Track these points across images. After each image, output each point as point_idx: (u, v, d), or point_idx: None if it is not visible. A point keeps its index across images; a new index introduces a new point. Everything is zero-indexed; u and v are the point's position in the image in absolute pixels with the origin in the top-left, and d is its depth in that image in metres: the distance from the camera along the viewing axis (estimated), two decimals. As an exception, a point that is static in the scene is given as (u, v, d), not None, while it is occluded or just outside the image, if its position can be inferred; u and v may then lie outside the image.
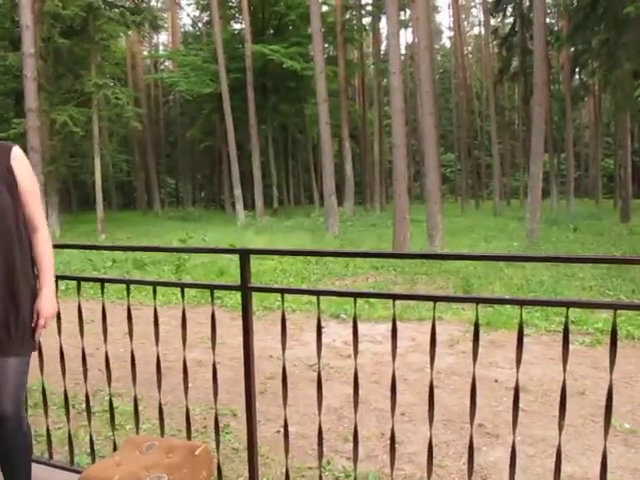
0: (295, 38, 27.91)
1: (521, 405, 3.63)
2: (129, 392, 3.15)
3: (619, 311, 1.75)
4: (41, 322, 1.97)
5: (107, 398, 2.47)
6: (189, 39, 38.98)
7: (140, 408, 2.64)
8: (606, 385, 1.61)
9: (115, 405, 2.81)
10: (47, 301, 2.00)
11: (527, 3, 26.46)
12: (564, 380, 1.63)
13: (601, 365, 4.59)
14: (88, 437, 2.53)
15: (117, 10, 21.55)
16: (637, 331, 5.54)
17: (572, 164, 29.16)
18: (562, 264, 8.99)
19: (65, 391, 2.51)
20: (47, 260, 2.02)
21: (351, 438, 1.98)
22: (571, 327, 5.58)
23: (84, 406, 2.53)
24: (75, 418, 3.33)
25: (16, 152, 1.96)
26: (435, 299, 1.88)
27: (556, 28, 28.47)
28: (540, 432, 3.39)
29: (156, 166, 35.24)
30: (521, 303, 1.76)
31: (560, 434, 1.67)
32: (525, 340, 4.30)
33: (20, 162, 1.95)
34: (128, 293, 2.26)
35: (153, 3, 40.92)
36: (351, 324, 1.96)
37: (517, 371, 1.69)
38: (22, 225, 1.94)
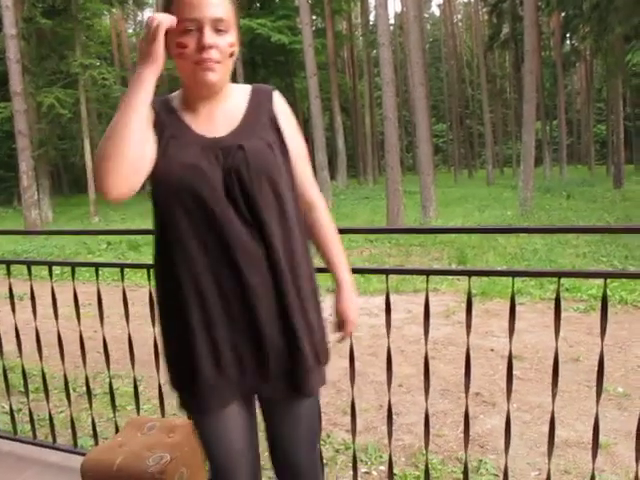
0: (282, 11, 27.42)
1: (517, 373, 3.70)
2: (129, 374, 3.17)
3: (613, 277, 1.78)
4: (349, 328, 1.45)
5: (107, 380, 2.49)
6: (174, 15, 38.31)
7: (140, 389, 2.68)
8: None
9: (115, 387, 2.84)
10: (351, 301, 1.45)
11: (516, -32, 26.08)
12: (556, 349, 1.66)
13: (595, 331, 4.64)
14: (90, 420, 2.56)
15: (99, -13, 21.12)
16: (630, 296, 5.61)
17: (564, 131, 29.13)
18: (555, 232, 9.02)
19: (65, 375, 2.53)
20: (337, 245, 1.49)
21: (349, 411, 2.01)
22: (565, 294, 5.65)
23: (85, 389, 2.55)
24: (76, 401, 3.37)
25: (278, 98, 1.39)
26: (428, 273, 1.89)
27: (546, -7, 28.09)
28: (536, 399, 3.45)
29: (146, 146, 34.90)
30: (513, 274, 1.77)
31: (553, 401, 1.70)
32: (520, 308, 4.34)
33: (285, 111, 1.39)
34: (122, 277, 2.26)
35: (136, -21, 40.06)
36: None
37: (510, 341, 1.71)
38: (297, 201, 1.35)
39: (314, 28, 24.69)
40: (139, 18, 47.30)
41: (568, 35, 26.76)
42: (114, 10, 26.19)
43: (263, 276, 1.24)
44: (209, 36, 1.18)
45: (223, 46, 1.21)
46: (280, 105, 1.37)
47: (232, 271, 1.22)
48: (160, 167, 1.21)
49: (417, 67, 13.14)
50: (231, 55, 1.26)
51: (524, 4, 14.61)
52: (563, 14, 24.29)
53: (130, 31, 40.67)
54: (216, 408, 1.31)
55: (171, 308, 1.29)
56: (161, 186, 1.22)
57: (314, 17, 27.76)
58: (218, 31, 1.20)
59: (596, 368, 1.63)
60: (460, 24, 50.86)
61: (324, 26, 28.27)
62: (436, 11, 57.34)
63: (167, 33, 1.19)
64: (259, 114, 1.32)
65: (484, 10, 36.04)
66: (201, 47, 1.18)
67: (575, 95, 44.72)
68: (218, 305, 1.23)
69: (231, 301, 1.23)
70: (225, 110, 1.31)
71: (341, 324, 1.44)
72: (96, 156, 1.14)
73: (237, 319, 1.24)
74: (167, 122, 1.27)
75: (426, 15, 49.98)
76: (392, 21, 39.06)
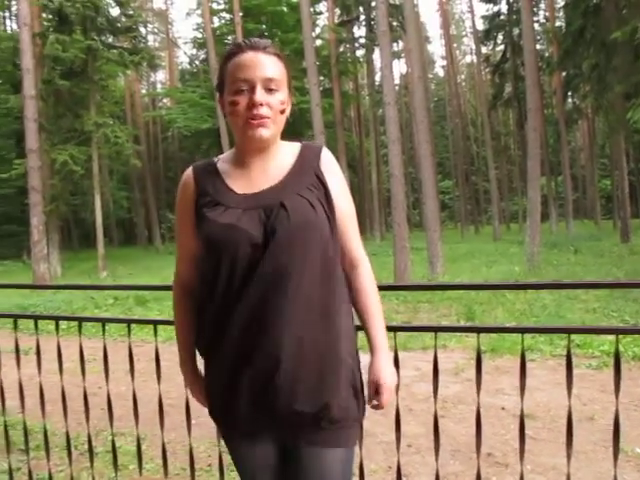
0: (291, 72, 28.34)
1: (529, 433, 3.59)
2: (132, 431, 3.12)
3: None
4: (385, 398, 1.38)
5: (110, 438, 2.44)
6: (186, 76, 39.64)
7: (143, 447, 2.61)
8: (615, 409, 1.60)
9: (118, 445, 2.77)
10: (386, 367, 1.40)
11: (517, 31, 27.01)
12: (569, 408, 1.62)
13: (609, 388, 4.53)
14: (90, 479, 2.49)
15: (116, 51, 21.97)
16: (643, 353, 5.49)
17: (569, 186, 29.36)
18: (564, 287, 8.95)
19: (67, 432, 2.48)
20: (376, 307, 1.42)
21: (358, 472, 1.95)
22: (577, 351, 5.55)
23: (87, 447, 2.50)
24: (77, 460, 3.29)
25: (327, 156, 1.41)
26: (436, 330, 1.87)
27: (546, 54, 28.97)
28: (550, 460, 3.34)
29: (156, 202, 35.48)
30: (522, 331, 1.75)
31: (568, 462, 1.64)
32: (530, 365, 4.29)
33: (333, 170, 1.39)
34: (129, 332, 2.25)
35: (150, 43, 41.70)
36: (353, 356, 1.94)
37: (521, 400, 1.67)
38: (339, 258, 1.36)
39: (322, 88, 25.40)
40: (152, 79, 49.00)
41: (569, 94, 27.38)
42: (129, 72, 27.14)
43: (282, 330, 1.25)
44: (260, 94, 1.26)
45: (274, 103, 1.29)
46: (327, 163, 1.39)
47: (259, 325, 1.26)
48: (203, 231, 1.30)
49: (422, 125, 13.41)
50: (282, 112, 1.33)
51: (525, 65, 15.03)
52: (564, 74, 24.96)
53: (143, 91, 41.98)
54: (245, 441, 1.39)
55: (209, 349, 1.39)
56: (206, 246, 1.31)
57: (322, 78, 28.63)
58: (269, 90, 1.29)
59: (612, 427, 1.58)
60: (464, 84, 52.23)
61: (331, 86, 29.12)
62: (440, 72, 58.89)
63: (222, 93, 1.33)
64: (304, 172, 1.35)
65: (487, 70, 37.09)
66: (252, 104, 1.26)
67: (579, 151, 45.34)
68: (242, 353, 1.29)
69: (254, 351, 1.27)
70: (272, 167, 1.35)
71: (376, 391, 1.38)
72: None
73: (259, 367, 1.28)
74: (210, 188, 1.34)
75: (430, 75, 51.41)
76: (397, 81, 40.26)
